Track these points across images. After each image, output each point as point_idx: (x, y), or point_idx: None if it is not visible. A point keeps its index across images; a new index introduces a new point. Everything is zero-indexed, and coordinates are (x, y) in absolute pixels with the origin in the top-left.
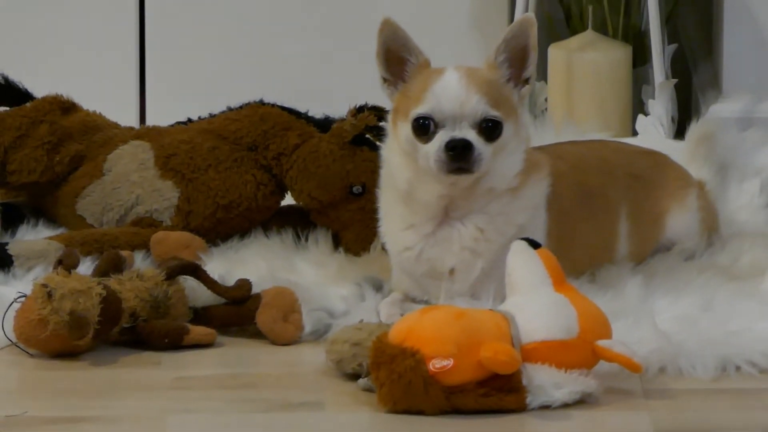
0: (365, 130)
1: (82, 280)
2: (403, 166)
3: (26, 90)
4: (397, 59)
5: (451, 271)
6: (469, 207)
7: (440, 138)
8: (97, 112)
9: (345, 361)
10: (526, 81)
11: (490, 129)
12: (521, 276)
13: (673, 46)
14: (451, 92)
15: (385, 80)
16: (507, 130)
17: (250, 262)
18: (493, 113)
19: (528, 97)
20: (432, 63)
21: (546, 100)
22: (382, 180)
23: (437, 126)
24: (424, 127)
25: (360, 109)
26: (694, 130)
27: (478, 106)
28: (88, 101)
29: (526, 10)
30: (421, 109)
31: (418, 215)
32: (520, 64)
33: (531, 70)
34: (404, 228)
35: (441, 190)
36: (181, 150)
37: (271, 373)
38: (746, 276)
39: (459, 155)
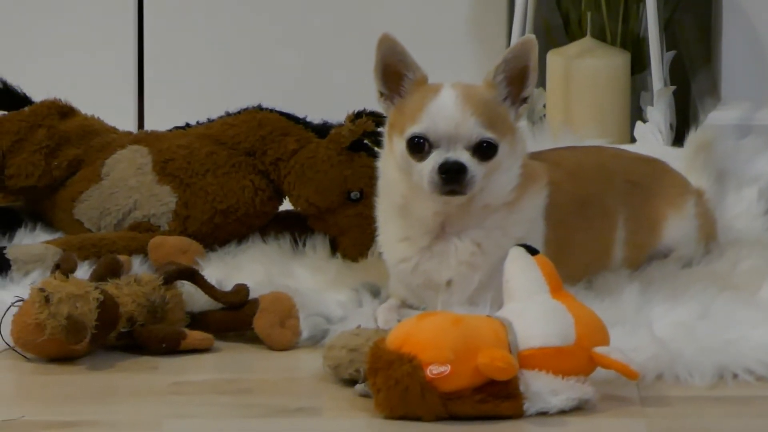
0: (363, 135)
1: (79, 285)
2: (398, 180)
3: (25, 94)
4: (395, 74)
5: (448, 283)
6: (466, 223)
7: (434, 159)
8: (96, 116)
9: (342, 366)
10: (525, 100)
11: (485, 150)
12: (519, 283)
13: (672, 52)
14: (447, 113)
15: (381, 94)
16: (502, 149)
17: (247, 268)
18: (489, 135)
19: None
20: (430, 71)
21: (544, 106)
22: (378, 190)
23: (432, 146)
24: (418, 146)
25: (358, 115)
26: (692, 137)
27: (473, 128)
28: (87, 106)
29: (525, 17)
30: (416, 129)
31: (414, 228)
32: (519, 84)
33: (530, 90)
34: (400, 239)
35: (435, 208)
36: (179, 155)
37: (268, 379)
38: (744, 284)
39: (452, 178)
